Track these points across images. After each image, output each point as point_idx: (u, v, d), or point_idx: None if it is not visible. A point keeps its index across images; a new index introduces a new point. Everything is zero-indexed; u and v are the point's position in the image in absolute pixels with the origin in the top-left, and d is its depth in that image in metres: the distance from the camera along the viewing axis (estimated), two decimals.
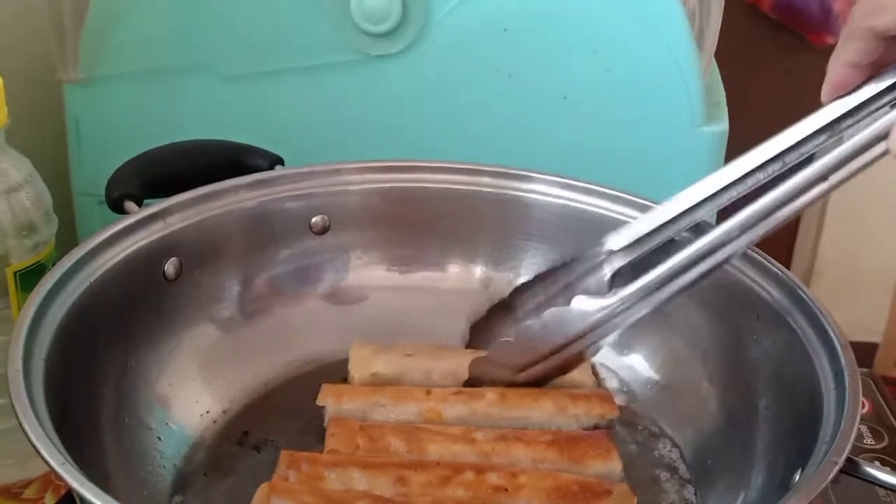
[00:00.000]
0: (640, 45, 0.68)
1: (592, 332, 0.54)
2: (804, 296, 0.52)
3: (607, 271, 0.54)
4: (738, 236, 0.50)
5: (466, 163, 0.64)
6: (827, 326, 0.50)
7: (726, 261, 0.51)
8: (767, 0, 1.18)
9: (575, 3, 0.68)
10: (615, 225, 0.60)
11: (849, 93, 0.47)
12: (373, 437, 0.52)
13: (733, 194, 0.51)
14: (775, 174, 0.49)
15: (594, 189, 0.62)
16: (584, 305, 0.53)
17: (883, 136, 0.46)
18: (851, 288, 1.27)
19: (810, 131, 0.48)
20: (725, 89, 0.74)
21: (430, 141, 0.71)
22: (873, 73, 0.47)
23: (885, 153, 0.46)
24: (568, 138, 0.70)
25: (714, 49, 0.73)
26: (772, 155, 0.49)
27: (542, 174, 0.63)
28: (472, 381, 0.57)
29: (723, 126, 0.70)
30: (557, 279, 0.56)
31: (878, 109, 0.47)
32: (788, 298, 0.53)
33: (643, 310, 0.53)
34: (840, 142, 0.47)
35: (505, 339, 0.57)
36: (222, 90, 0.71)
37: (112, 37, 0.70)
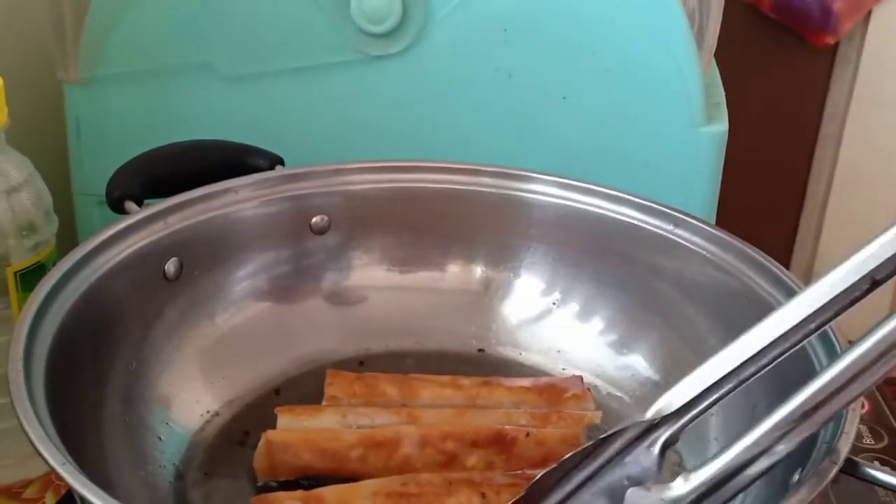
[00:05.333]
0: (640, 45, 0.68)
1: None
2: None
3: (655, 443, 0.40)
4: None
5: (466, 163, 0.64)
6: (827, 327, 0.50)
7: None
8: (767, 0, 1.18)
9: (575, 3, 0.68)
10: (615, 225, 0.61)
11: None
12: (368, 384, 0.57)
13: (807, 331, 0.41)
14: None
15: (594, 189, 0.62)
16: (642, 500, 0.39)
17: None
18: None
19: None
20: (725, 89, 0.74)
21: (430, 141, 0.71)
22: None
23: None
24: (568, 138, 0.70)
25: (714, 49, 0.73)
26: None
27: (542, 174, 0.63)
28: None
29: (723, 126, 0.70)
30: (587, 468, 0.41)
31: None
32: (788, 299, 0.53)
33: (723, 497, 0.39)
34: None
35: None
36: (222, 90, 0.71)
37: (112, 37, 0.70)
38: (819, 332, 0.40)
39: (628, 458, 0.40)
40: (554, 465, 0.41)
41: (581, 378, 0.58)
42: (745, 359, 0.40)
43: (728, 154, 0.71)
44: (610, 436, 0.41)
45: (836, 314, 0.40)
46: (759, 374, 0.41)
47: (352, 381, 0.57)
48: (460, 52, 0.69)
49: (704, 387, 0.40)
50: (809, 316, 0.40)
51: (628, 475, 0.40)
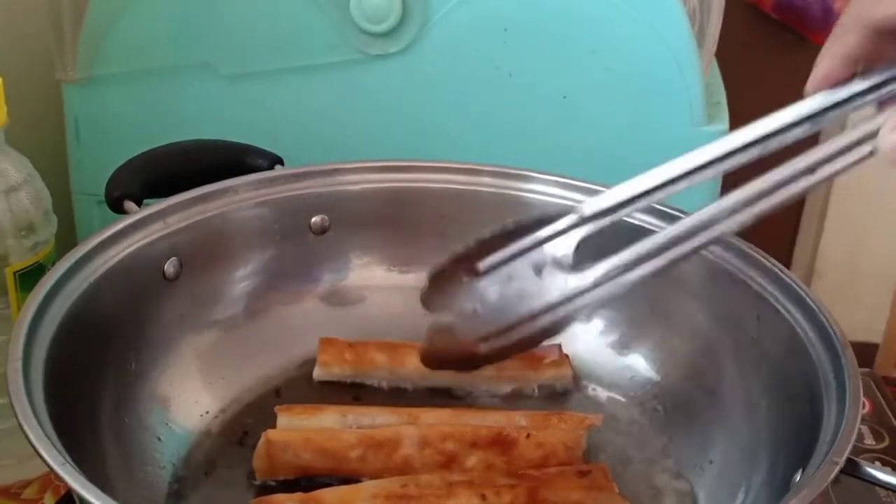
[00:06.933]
0: (640, 45, 0.68)
1: (559, 308, 0.51)
2: (804, 296, 0.52)
3: (576, 238, 0.50)
4: (715, 223, 0.49)
5: (466, 163, 0.64)
6: (827, 326, 0.50)
7: (702, 246, 0.49)
8: (768, 0, 1.18)
9: (575, 3, 0.68)
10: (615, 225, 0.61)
11: (835, 86, 0.47)
12: (358, 351, 0.59)
13: (714, 171, 0.50)
14: (754, 158, 0.48)
15: (594, 189, 0.62)
16: (553, 280, 0.51)
17: (871, 136, 0.45)
18: (852, 288, 1.27)
19: (793, 119, 0.48)
20: (726, 89, 0.74)
21: (430, 140, 0.71)
22: (862, 70, 0.46)
23: (871, 153, 0.46)
24: (568, 138, 0.70)
25: (714, 49, 0.73)
26: (752, 138, 0.48)
27: (542, 174, 0.63)
28: (428, 355, 0.54)
29: (723, 126, 0.70)
30: (524, 238, 0.51)
31: (861, 106, 0.46)
32: (789, 298, 0.53)
33: (613, 290, 0.50)
34: (824, 137, 0.47)
35: (468, 307, 0.52)
36: (222, 90, 0.71)
37: (111, 36, 0.70)
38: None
39: (553, 244, 0.50)
40: (493, 233, 0.51)
41: (559, 346, 0.59)
42: (655, 184, 0.50)
43: None
44: (539, 221, 0.50)
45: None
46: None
47: (343, 348, 0.59)
48: (460, 51, 0.69)
49: (619, 200, 0.49)
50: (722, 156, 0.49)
51: (553, 256, 0.50)
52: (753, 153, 0.48)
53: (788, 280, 0.53)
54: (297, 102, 0.71)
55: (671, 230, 0.50)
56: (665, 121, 0.69)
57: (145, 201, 0.58)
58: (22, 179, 0.57)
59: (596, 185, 0.62)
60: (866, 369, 0.82)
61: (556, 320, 0.51)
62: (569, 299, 0.51)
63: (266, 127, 0.70)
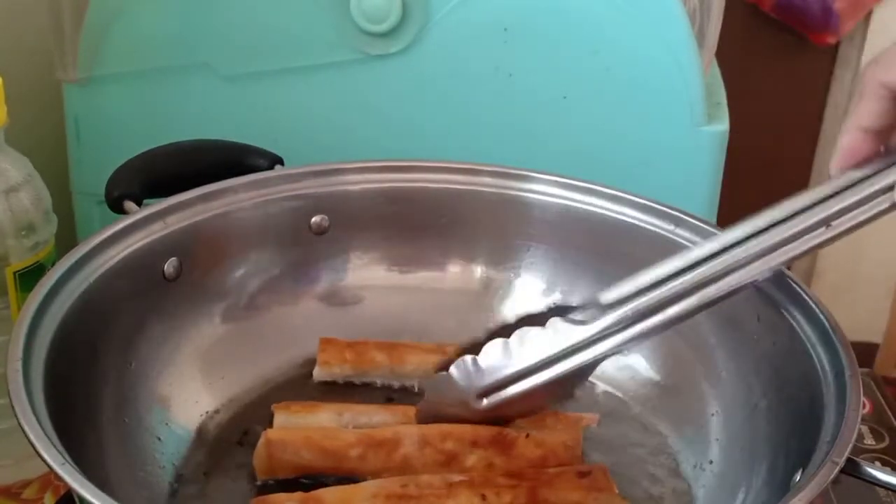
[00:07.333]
0: (640, 45, 0.68)
1: (566, 360, 0.50)
2: (805, 296, 0.52)
3: (591, 318, 0.50)
4: (731, 272, 0.48)
5: (466, 163, 0.64)
6: (827, 326, 0.50)
7: (721, 297, 0.49)
8: (768, 0, 1.18)
9: (575, 3, 0.68)
10: (616, 225, 0.61)
11: (861, 163, 0.45)
12: (358, 351, 0.59)
13: (737, 253, 0.48)
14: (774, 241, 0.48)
15: (594, 189, 0.62)
16: (560, 327, 0.50)
17: (889, 189, 0.44)
18: (852, 288, 1.27)
19: (818, 199, 0.46)
20: (726, 89, 0.74)
21: (430, 141, 0.71)
22: (884, 145, 0.44)
23: (892, 207, 0.44)
24: (568, 138, 0.70)
25: (715, 49, 0.73)
26: (776, 220, 0.47)
27: (542, 174, 0.63)
28: (424, 411, 0.54)
29: (723, 126, 0.70)
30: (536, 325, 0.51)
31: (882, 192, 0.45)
32: (789, 298, 0.53)
33: (625, 338, 0.50)
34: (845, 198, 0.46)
35: (468, 357, 0.51)
36: (222, 90, 0.71)
37: (111, 36, 0.70)
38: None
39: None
40: (502, 325, 0.52)
41: None
42: (674, 271, 0.48)
43: (728, 154, 0.70)
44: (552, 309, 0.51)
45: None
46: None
47: (343, 348, 0.59)
48: (460, 51, 0.69)
49: (636, 289, 0.49)
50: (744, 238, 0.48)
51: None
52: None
53: (788, 280, 0.53)
54: (297, 102, 0.71)
55: (686, 279, 0.48)
56: (665, 121, 0.69)
57: (145, 201, 0.58)
58: (22, 179, 0.57)
59: (596, 185, 0.62)
60: (866, 369, 0.82)
61: (563, 376, 0.50)
62: (575, 350, 0.50)
63: (266, 127, 0.70)
